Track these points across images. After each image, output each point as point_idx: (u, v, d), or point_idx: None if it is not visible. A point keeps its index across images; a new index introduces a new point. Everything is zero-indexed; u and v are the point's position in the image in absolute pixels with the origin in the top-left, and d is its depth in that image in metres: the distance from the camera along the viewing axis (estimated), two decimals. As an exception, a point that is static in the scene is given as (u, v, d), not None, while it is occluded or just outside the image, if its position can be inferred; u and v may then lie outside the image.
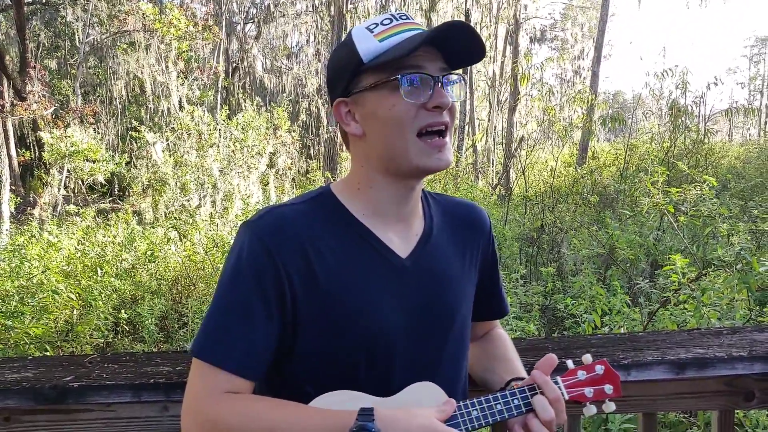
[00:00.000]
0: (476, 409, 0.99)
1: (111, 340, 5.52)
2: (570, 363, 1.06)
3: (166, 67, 15.83)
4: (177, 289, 6.58)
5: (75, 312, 5.50)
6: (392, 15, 1.01)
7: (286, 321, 0.97)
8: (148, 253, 7.15)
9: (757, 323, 3.59)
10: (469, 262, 1.15)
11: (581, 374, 1.05)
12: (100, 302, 5.57)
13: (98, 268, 6.47)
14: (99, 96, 17.85)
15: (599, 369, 1.06)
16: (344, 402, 0.94)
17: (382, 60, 0.96)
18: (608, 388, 1.04)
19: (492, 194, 13.57)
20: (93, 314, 5.43)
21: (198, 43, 16.32)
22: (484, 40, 1.00)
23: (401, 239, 1.05)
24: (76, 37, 17.23)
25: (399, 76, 0.95)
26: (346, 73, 1.00)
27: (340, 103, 1.02)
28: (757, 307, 3.94)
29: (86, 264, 6.58)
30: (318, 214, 1.02)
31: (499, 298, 1.26)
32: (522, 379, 1.10)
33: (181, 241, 8.25)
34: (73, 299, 5.51)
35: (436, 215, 1.13)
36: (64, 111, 14.81)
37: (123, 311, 5.69)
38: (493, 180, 17.19)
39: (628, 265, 7.00)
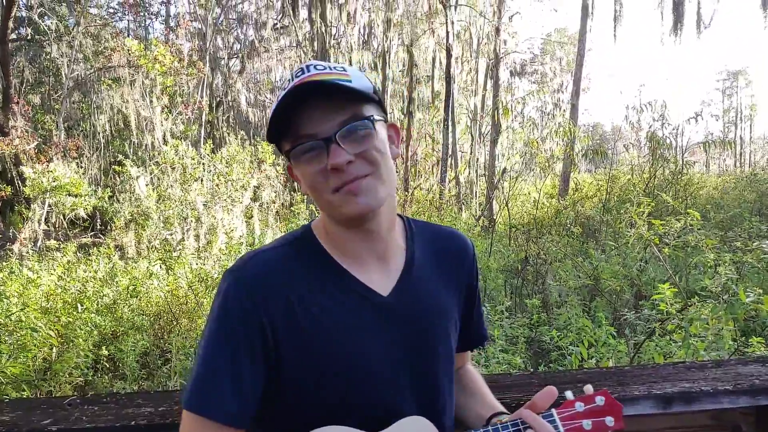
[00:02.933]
0: None
1: (90, 378, 5.39)
2: (569, 394, 1.03)
3: (151, 101, 15.87)
4: (159, 324, 6.46)
5: (54, 349, 5.37)
6: (292, 75, 1.01)
7: (270, 365, 0.97)
8: (130, 288, 7.04)
9: (742, 354, 3.61)
10: (454, 291, 1.14)
11: (579, 406, 1.02)
12: (81, 339, 5.45)
13: (78, 304, 6.34)
14: (83, 130, 17.78)
15: (599, 400, 1.02)
16: None
17: (273, 129, 0.99)
18: (609, 420, 1.01)
19: (476, 225, 13.64)
20: (72, 352, 5.30)
21: (183, 78, 16.41)
22: (349, 86, 0.96)
23: (381, 276, 1.05)
24: (61, 72, 17.25)
25: (292, 149, 0.98)
26: (272, 142, 1.04)
27: (288, 167, 1.06)
28: (743, 337, 3.96)
29: (66, 300, 6.45)
30: (299, 257, 1.04)
31: (478, 326, 1.25)
32: (503, 413, 1.09)
33: (167, 274, 8.14)
34: (52, 336, 5.38)
35: (418, 246, 1.12)
36: (47, 145, 14.72)
37: (104, 348, 5.57)
38: (476, 211, 17.30)
39: (613, 296, 7.03)
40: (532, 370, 5.36)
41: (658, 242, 6.04)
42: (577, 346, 4.37)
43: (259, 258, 1.02)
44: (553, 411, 1.02)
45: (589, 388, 1.03)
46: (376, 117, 1.01)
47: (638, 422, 1.42)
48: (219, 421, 0.93)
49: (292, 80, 0.99)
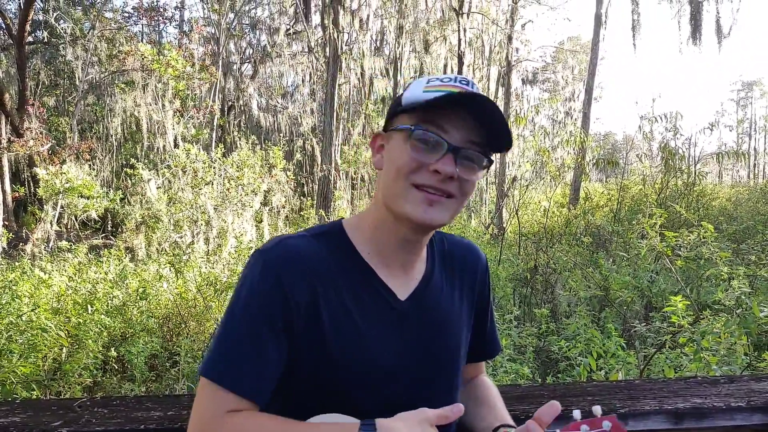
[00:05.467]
0: None
1: (100, 379, 5.41)
2: (577, 414, 1.01)
3: (163, 105, 16.00)
4: (168, 327, 6.49)
5: (64, 350, 5.40)
6: (454, 77, 1.03)
7: (290, 346, 0.98)
8: (140, 290, 7.08)
9: (754, 369, 3.57)
10: (467, 304, 1.16)
11: (584, 429, 0.99)
12: (90, 340, 5.48)
13: (89, 305, 6.39)
14: (96, 133, 17.95)
15: (606, 425, 0.99)
16: (343, 420, 0.96)
17: (412, 106, 1.00)
18: None
19: (485, 233, 13.60)
20: (82, 353, 5.34)
21: (195, 82, 16.55)
22: (511, 134, 1.01)
23: (402, 282, 1.07)
24: (76, 75, 17.44)
25: (412, 128, 0.98)
26: (390, 112, 1.06)
27: (377, 136, 1.09)
28: (755, 352, 3.92)
29: (77, 301, 6.50)
30: (327, 249, 1.05)
31: (491, 338, 1.27)
32: (510, 426, 1.09)
33: (176, 277, 8.18)
34: (62, 337, 5.42)
35: (438, 257, 1.15)
36: (60, 147, 14.88)
37: (113, 349, 5.60)
38: (486, 219, 17.26)
39: (623, 307, 6.98)
40: (540, 380, 5.33)
41: (670, 254, 5.99)
42: (586, 357, 4.34)
43: (289, 242, 1.03)
44: (558, 431, 1.00)
45: (597, 410, 1.01)
46: (486, 164, 1.04)
47: (649, 437, 1.40)
48: (239, 393, 0.94)
49: (454, 81, 1.01)
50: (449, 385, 1.10)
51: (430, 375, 1.06)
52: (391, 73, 19.56)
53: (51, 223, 12.64)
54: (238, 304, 0.98)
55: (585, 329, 5.83)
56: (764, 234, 10.29)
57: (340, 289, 1.01)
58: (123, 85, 16.80)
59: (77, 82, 17.32)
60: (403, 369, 1.03)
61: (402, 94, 1.04)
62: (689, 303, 4.86)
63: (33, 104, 14.86)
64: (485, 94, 1.01)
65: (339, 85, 16.47)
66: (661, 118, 11.99)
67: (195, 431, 0.96)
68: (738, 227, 11.45)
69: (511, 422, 1.12)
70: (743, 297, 3.90)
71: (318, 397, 1.00)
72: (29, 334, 5.18)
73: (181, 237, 11.65)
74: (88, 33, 17.50)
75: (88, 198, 12.80)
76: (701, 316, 4.22)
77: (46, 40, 18.54)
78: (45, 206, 12.76)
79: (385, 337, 1.02)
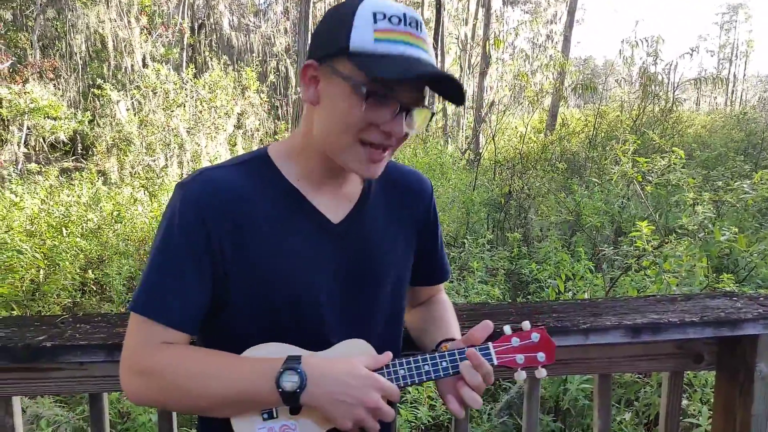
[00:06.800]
0: (404, 369, 1.03)
1: (78, 300, 5.47)
2: (507, 329, 1.08)
3: (129, 22, 15.25)
4: (144, 249, 6.51)
5: (41, 272, 5.41)
6: (404, 16, 0.94)
7: (216, 278, 0.99)
8: (115, 213, 7.03)
9: (713, 290, 3.75)
10: (409, 229, 1.18)
11: (515, 341, 1.07)
12: (67, 262, 5.49)
13: (63, 228, 6.34)
14: (58, 50, 17.10)
15: (534, 337, 1.08)
16: (275, 354, 0.98)
17: (364, 63, 0.92)
18: (540, 356, 1.07)
19: (461, 159, 13.63)
20: (59, 274, 5.35)
21: (163, -4, 15.73)
22: (464, 97, 0.99)
23: (334, 205, 1.07)
24: (33, -14, 16.39)
25: (365, 91, 0.92)
26: (329, 45, 0.96)
27: (310, 66, 0.99)
28: (714, 274, 4.10)
29: (51, 224, 6.44)
30: (251, 176, 1.03)
31: (439, 265, 1.29)
32: (453, 340, 1.14)
33: (150, 201, 8.11)
34: (38, 259, 5.41)
35: (378, 183, 1.14)
36: (21, 65, 14.20)
37: (90, 271, 5.62)
38: (462, 145, 17.24)
39: (593, 232, 7.18)
40: (510, 300, 5.53)
41: (641, 180, 6.12)
42: (555, 280, 4.50)
43: (209, 174, 1.01)
44: (490, 344, 1.07)
45: (526, 325, 1.08)
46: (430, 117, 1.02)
47: (608, 350, 1.49)
48: (165, 323, 0.97)
49: (405, 26, 0.94)
50: (387, 305, 1.13)
51: (362, 294, 1.08)
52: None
53: (18, 144, 12.28)
54: (162, 239, 0.99)
55: (555, 253, 6.02)
56: (735, 161, 10.52)
57: (267, 215, 1.01)
58: (85, -1, 15.88)
59: (35, -6, 16.32)
60: (339, 291, 1.05)
61: (347, 29, 0.93)
62: (655, 228, 5.02)
63: (-10, 18, 14.03)
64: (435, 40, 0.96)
65: (314, 2, 15.80)
66: (642, 42, 11.86)
67: (126, 361, 0.99)
68: (710, 154, 11.66)
69: (458, 336, 1.17)
70: (706, 222, 4.04)
71: (252, 328, 1.01)
72: (4, 256, 5.16)
73: (154, 160, 11.45)
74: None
75: (54, 119, 12.39)
76: (666, 241, 4.38)
77: (-2, -53, 17.22)
78: (10, 127, 12.33)
79: (315, 257, 1.03)
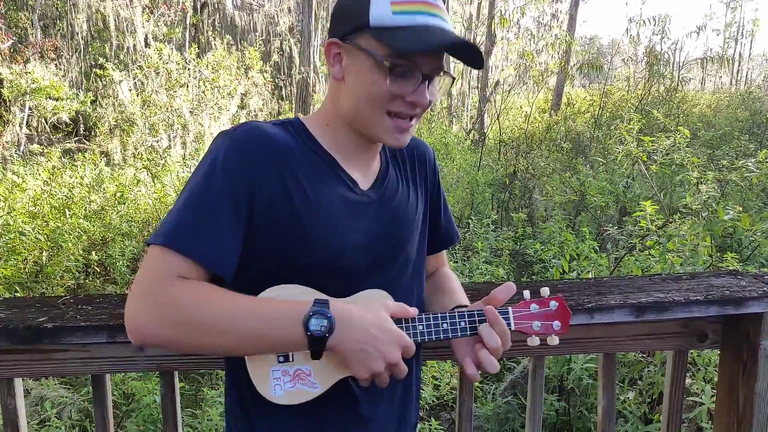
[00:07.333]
0: (422, 324, 1.03)
1: (82, 282, 5.49)
2: (527, 294, 1.09)
3: (131, 1, 15.10)
4: (148, 231, 6.52)
5: (44, 253, 5.43)
6: None
7: (253, 227, 0.97)
8: (118, 194, 7.03)
9: (716, 269, 3.74)
10: (422, 195, 1.22)
11: (534, 307, 1.08)
12: (70, 244, 5.50)
13: (66, 210, 6.34)
14: (60, 30, 16.98)
15: (552, 305, 1.09)
16: (298, 295, 0.97)
17: (385, 37, 0.96)
18: (556, 325, 1.08)
19: (466, 139, 13.55)
20: (62, 256, 5.37)
21: (164, -25, 15.55)
22: (482, 60, 1.03)
23: (362, 174, 1.11)
24: (33, -35, 16.21)
25: (390, 65, 0.97)
26: (349, 22, 1.00)
27: (333, 44, 1.03)
28: (718, 253, 4.08)
29: (53, 205, 6.44)
30: (291, 136, 1.06)
31: (448, 226, 1.32)
32: (465, 306, 1.15)
33: (154, 182, 8.11)
34: (41, 240, 5.42)
35: (389, 154, 1.19)
36: (22, 45, 14.10)
37: (93, 253, 5.63)
38: (467, 124, 17.13)
39: (598, 211, 7.15)
40: (514, 281, 5.53)
41: (646, 159, 6.07)
42: (560, 260, 4.49)
43: (255, 125, 1.02)
44: (509, 308, 1.07)
45: (545, 291, 1.09)
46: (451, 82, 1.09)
47: (613, 329, 1.49)
48: (200, 261, 0.92)
49: None
50: (410, 271, 1.15)
51: (390, 258, 1.10)
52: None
53: (20, 125, 12.25)
54: (200, 180, 0.95)
55: (560, 233, 6.00)
56: (740, 140, 10.43)
57: (306, 173, 1.02)
58: (86, -22, 15.70)
59: (36, -26, 16.14)
60: (372, 250, 1.06)
61: (366, 4, 0.97)
62: (659, 207, 4.99)
63: (-11, -2, 13.90)
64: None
65: (317, -19, 15.62)
66: (649, 20, 11.69)
67: (140, 290, 0.90)
68: (715, 134, 11.55)
69: (468, 304, 1.18)
70: (710, 201, 4.00)
71: (273, 281, 0.99)
72: (7, 238, 5.17)
73: (157, 141, 11.42)
74: None
75: (56, 99, 12.34)
76: (670, 220, 4.35)
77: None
78: (12, 108, 12.29)
79: (353, 220, 1.05)
